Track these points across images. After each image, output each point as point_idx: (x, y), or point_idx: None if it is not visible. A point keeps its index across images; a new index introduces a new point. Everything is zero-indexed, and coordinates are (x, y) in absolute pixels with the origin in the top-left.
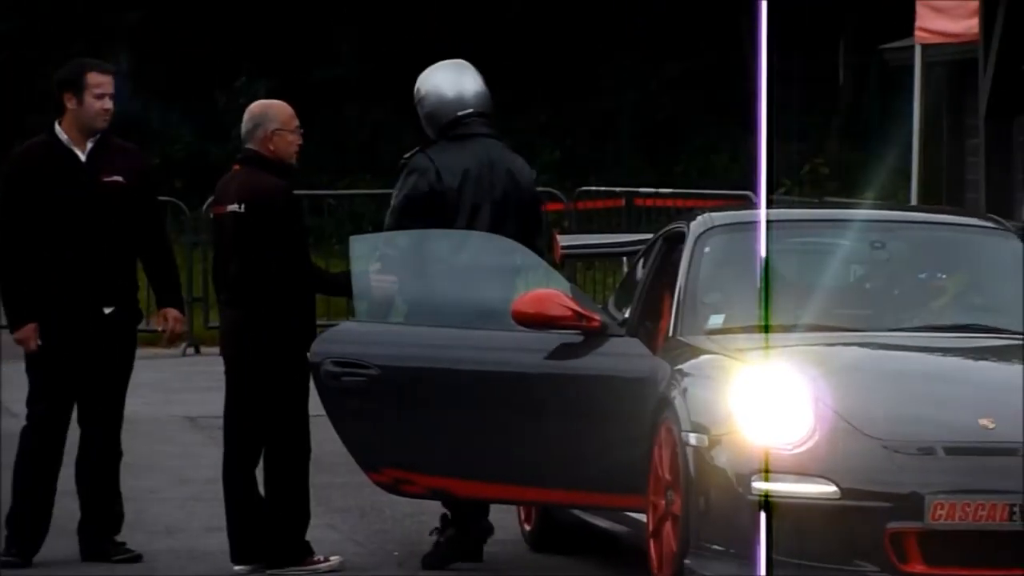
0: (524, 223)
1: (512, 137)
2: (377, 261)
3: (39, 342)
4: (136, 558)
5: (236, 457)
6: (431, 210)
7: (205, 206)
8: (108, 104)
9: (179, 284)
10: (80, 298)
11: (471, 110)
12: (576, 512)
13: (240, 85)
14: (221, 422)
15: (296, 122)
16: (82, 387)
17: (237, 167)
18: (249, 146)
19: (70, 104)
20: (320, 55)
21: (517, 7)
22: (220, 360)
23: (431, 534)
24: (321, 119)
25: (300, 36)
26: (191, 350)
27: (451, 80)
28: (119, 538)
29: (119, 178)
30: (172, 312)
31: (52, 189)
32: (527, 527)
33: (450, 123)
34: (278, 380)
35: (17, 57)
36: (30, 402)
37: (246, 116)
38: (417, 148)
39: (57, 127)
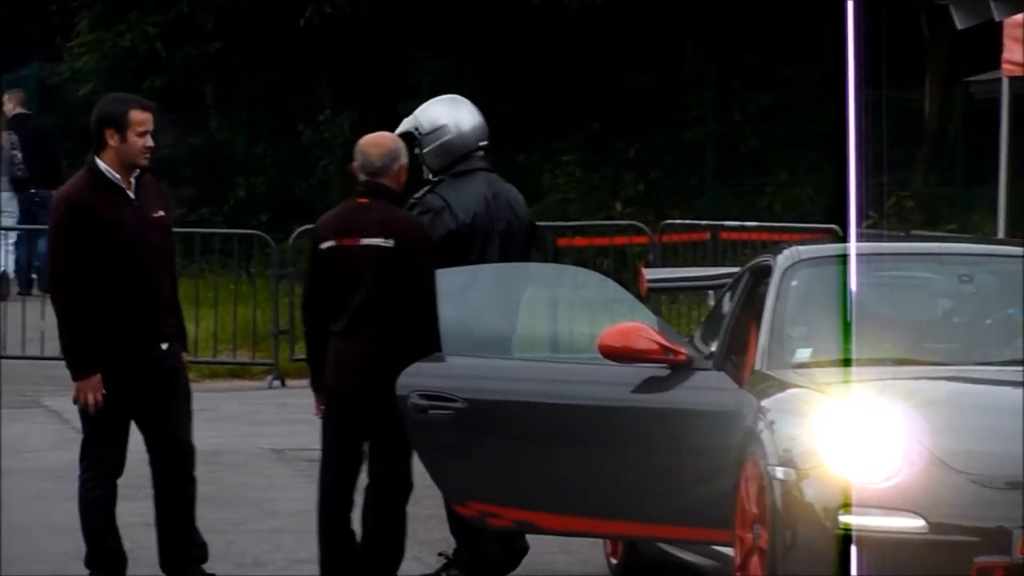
0: (525, 252)
1: (596, 170)
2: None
3: (102, 395)
4: None
5: (335, 490)
6: (451, 247)
7: (292, 238)
8: (150, 141)
9: (183, 320)
10: (142, 337)
11: (478, 145)
12: (662, 546)
13: (324, 119)
14: (307, 455)
15: None
16: (147, 425)
17: (365, 200)
18: (383, 180)
19: (112, 141)
20: (401, 87)
21: (600, 40)
22: (306, 392)
23: (440, 555)
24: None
25: (382, 69)
26: (277, 382)
27: (452, 115)
28: (208, 569)
29: (163, 213)
30: (184, 357)
31: (113, 228)
32: (614, 561)
33: (456, 160)
34: (391, 413)
35: (102, 90)
36: (87, 443)
37: (376, 150)
38: (427, 188)
39: (99, 162)
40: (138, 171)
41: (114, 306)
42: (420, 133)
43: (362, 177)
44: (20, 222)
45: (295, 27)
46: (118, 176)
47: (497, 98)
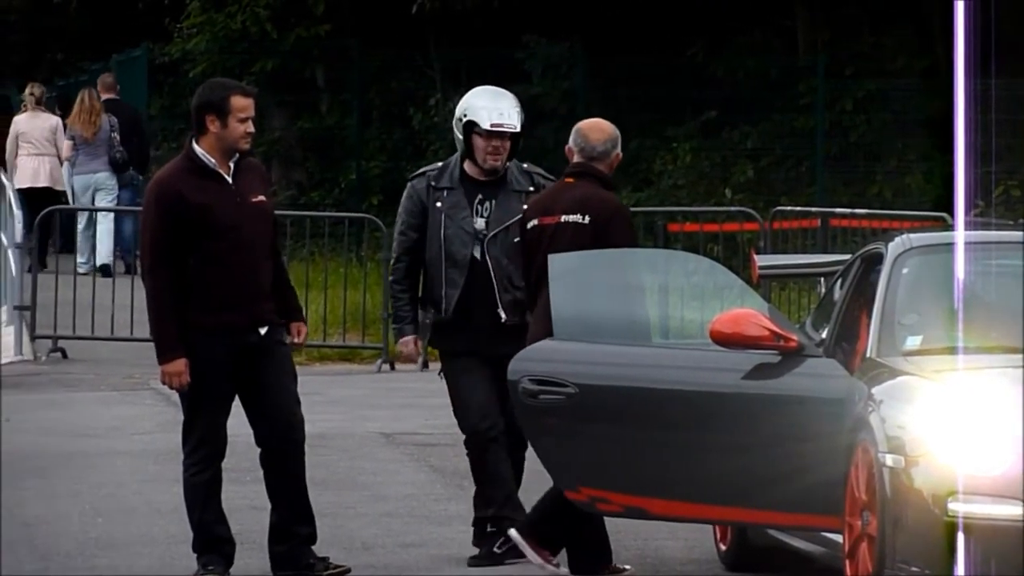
0: None
1: (707, 156)
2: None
3: (188, 379)
4: (344, 572)
5: None
6: None
7: None
8: (251, 127)
9: (296, 296)
10: (238, 322)
11: None
12: (772, 532)
13: (435, 103)
14: (416, 439)
15: None
16: (249, 402)
17: (571, 180)
18: (597, 164)
19: (212, 127)
20: (512, 72)
21: (712, 27)
22: (416, 376)
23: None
24: None
25: (492, 53)
26: (386, 366)
27: None
28: (317, 553)
29: (262, 198)
30: (303, 327)
31: (206, 213)
32: (722, 547)
33: None
34: None
35: (212, 72)
36: (188, 427)
37: (599, 135)
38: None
39: (196, 147)
40: (237, 155)
41: (208, 291)
42: (523, 120)
43: (576, 159)
44: (119, 202)
45: (407, 13)
46: (214, 161)
47: (610, 84)
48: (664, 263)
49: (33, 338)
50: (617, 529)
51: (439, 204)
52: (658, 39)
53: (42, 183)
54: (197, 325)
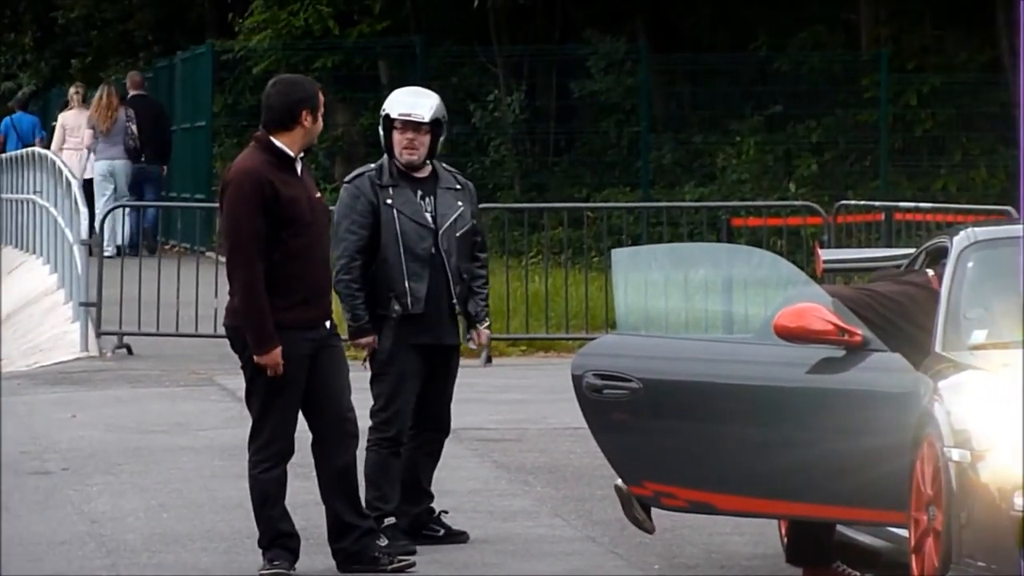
0: None
1: (771, 151)
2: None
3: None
4: (410, 564)
5: None
6: None
7: None
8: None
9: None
10: (313, 316)
11: None
12: (838, 527)
13: (494, 99)
14: (480, 434)
15: None
16: (308, 400)
17: None
18: None
19: (306, 122)
20: (573, 68)
21: (775, 20)
22: (480, 372)
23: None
24: (578, 133)
25: (553, 49)
26: None
27: None
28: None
29: (319, 194)
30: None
31: (294, 206)
32: (787, 541)
33: None
34: None
35: (276, 70)
36: (257, 426)
37: None
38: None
39: (276, 141)
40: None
41: (291, 286)
42: (445, 120)
43: None
44: (142, 196)
45: (468, 8)
46: (293, 156)
47: (673, 79)
48: (727, 258)
49: (99, 334)
50: (682, 524)
51: (389, 201)
52: (721, 34)
53: (86, 175)
54: (280, 322)
